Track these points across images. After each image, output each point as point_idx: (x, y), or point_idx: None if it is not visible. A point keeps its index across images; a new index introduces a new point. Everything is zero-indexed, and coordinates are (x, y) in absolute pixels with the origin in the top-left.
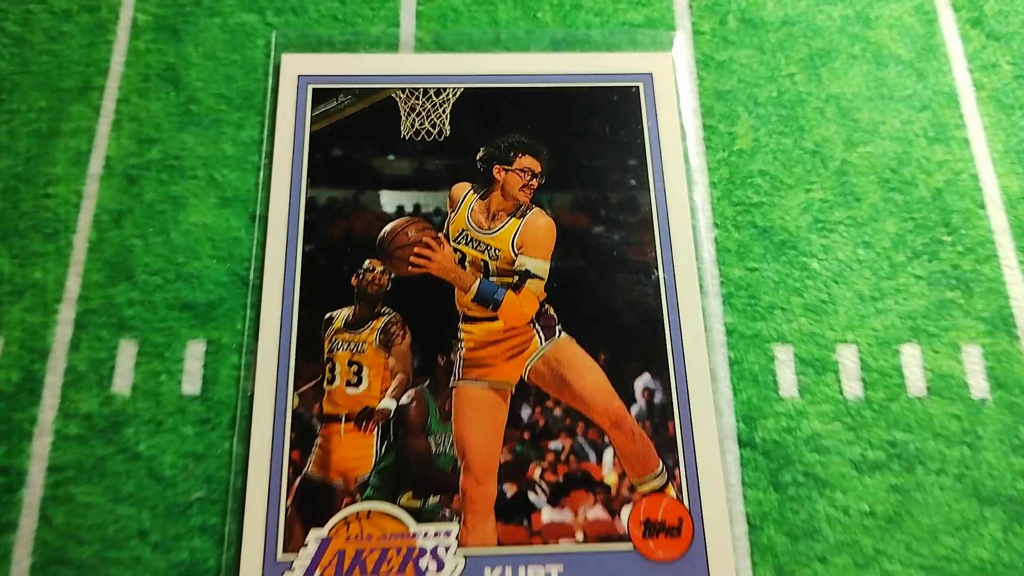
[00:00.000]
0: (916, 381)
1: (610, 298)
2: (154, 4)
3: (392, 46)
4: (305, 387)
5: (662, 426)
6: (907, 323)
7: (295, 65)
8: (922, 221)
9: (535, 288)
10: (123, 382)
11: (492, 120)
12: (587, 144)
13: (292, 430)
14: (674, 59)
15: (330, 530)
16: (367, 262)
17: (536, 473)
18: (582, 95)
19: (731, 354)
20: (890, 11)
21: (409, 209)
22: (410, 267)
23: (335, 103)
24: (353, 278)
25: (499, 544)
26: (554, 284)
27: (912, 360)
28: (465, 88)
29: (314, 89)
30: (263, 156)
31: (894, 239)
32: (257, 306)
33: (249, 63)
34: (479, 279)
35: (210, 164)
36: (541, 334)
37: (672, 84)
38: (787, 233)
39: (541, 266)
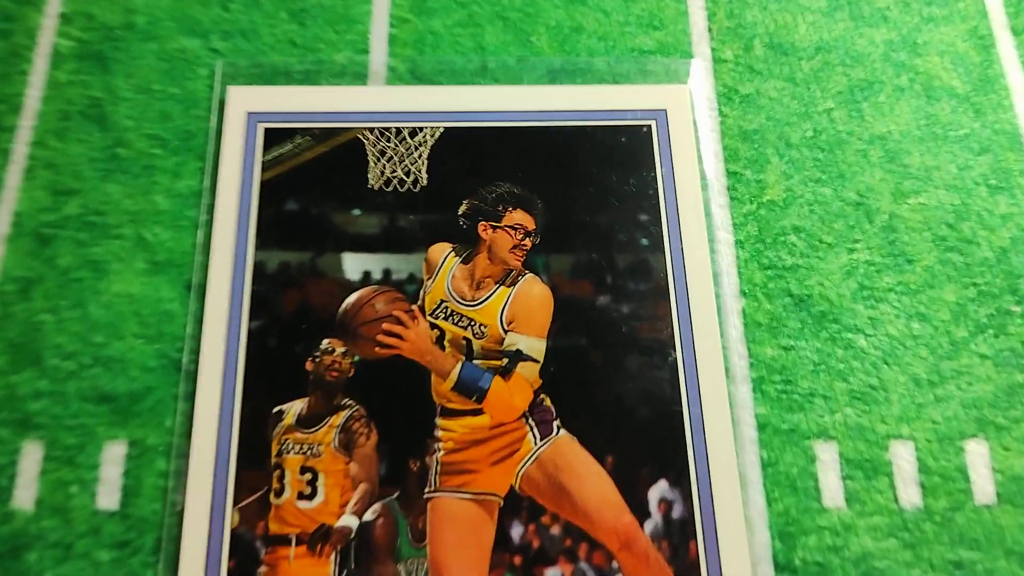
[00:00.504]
0: (984, 485)
1: (619, 386)
2: (79, 27)
3: (360, 77)
4: (247, 501)
5: (682, 547)
6: (972, 413)
7: (243, 100)
8: (986, 288)
9: (528, 374)
10: (25, 495)
11: (477, 166)
12: (590, 196)
13: (231, 555)
14: (691, 92)
15: None
16: (325, 342)
17: None
18: (584, 136)
19: (764, 454)
20: (940, 35)
21: (377, 276)
22: (378, 348)
23: (291, 146)
24: (308, 362)
25: None
26: (551, 368)
27: (979, 459)
28: (445, 128)
29: (266, 129)
30: (203, 211)
31: (954, 310)
32: (191, 398)
33: (189, 98)
34: (461, 363)
35: (139, 221)
36: (535, 431)
37: (690, 122)
38: (828, 303)
39: (535, 346)
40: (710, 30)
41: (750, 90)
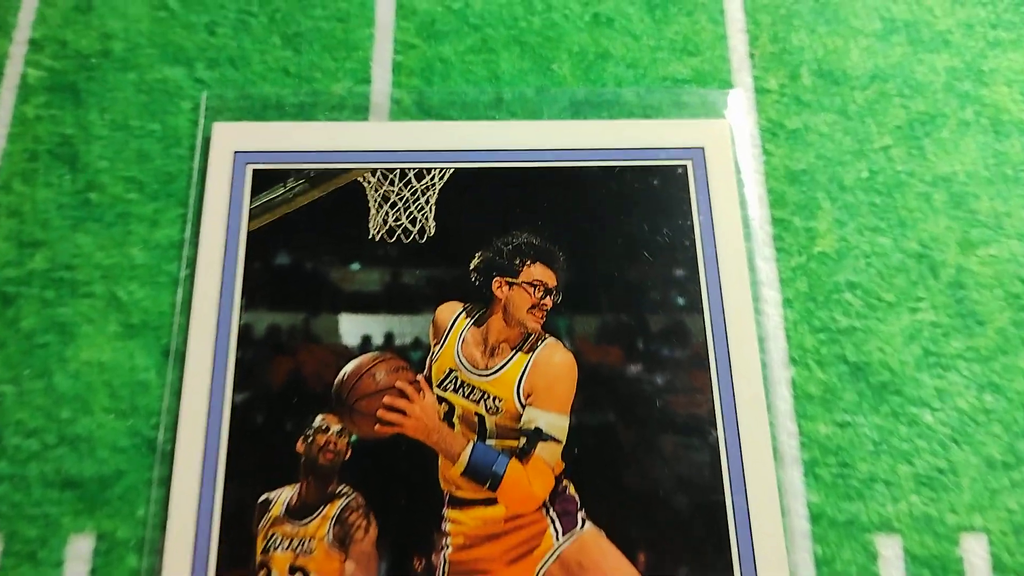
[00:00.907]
0: None
1: (652, 471)
2: (50, 55)
3: (360, 111)
4: None
5: None
6: None
7: (230, 137)
8: None
9: (549, 456)
10: None
11: (492, 213)
12: (619, 247)
13: None
14: (732, 127)
15: None
16: (319, 419)
17: None
18: (611, 179)
19: (818, 549)
20: (1008, 62)
21: (378, 341)
22: (378, 426)
23: (282, 190)
24: (300, 442)
25: None
26: (575, 450)
27: None
28: (456, 169)
29: (255, 171)
30: (184, 265)
31: None
32: (166, 483)
33: (170, 135)
34: (472, 443)
35: (112, 277)
36: (557, 525)
37: (730, 162)
38: (888, 372)
39: (557, 423)
40: (752, 56)
41: (797, 124)
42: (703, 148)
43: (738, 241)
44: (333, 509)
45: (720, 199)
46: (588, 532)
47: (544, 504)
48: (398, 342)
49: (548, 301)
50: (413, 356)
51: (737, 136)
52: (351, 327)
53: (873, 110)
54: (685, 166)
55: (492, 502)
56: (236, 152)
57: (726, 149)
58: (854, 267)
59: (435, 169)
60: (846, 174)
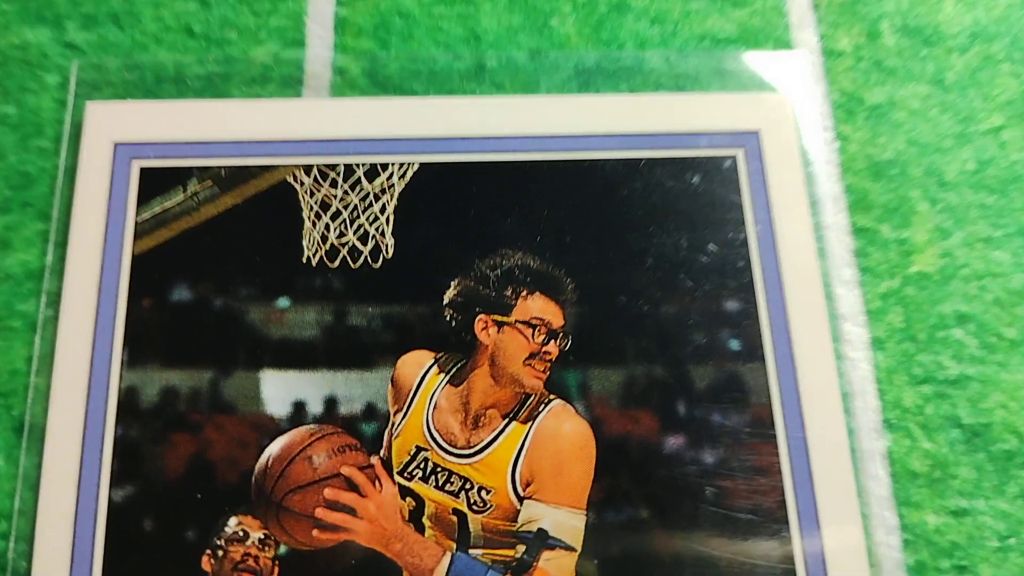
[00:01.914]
0: None
1: None
2: None
3: (291, 85)
4: None
5: None
6: None
7: (110, 123)
8: None
9: (559, 570)
10: None
11: (472, 227)
12: (648, 271)
13: None
14: (793, 105)
15: None
16: (233, 523)
17: None
18: (635, 176)
19: None
20: None
21: (316, 408)
22: (317, 531)
23: (182, 197)
24: (206, 558)
25: None
26: (594, 560)
27: None
28: (422, 164)
29: (144, 170)
30: (43, 304)
31: None
32: None
33: (29, 121)
34: (450, 554)
35: None
36: None
37: (795, 151)
38: (1017, 437)
39: (569, 523)
40: (816, 7)
41: (880, 98)
42: (757, 133)
43: (809, 259)
44: None
45: (782, 202)
46: None
47: None
48: (344, 410)
49: (553, 348)
50: (365, 430)
51: (800, 116)
52: (278, 390)
53: (976, 79)
54: (734, 158)
55: None
56: (117, 144)
57: (787, 133)
58: (964, 293)
59: (393, 165)
60: (947, 165)
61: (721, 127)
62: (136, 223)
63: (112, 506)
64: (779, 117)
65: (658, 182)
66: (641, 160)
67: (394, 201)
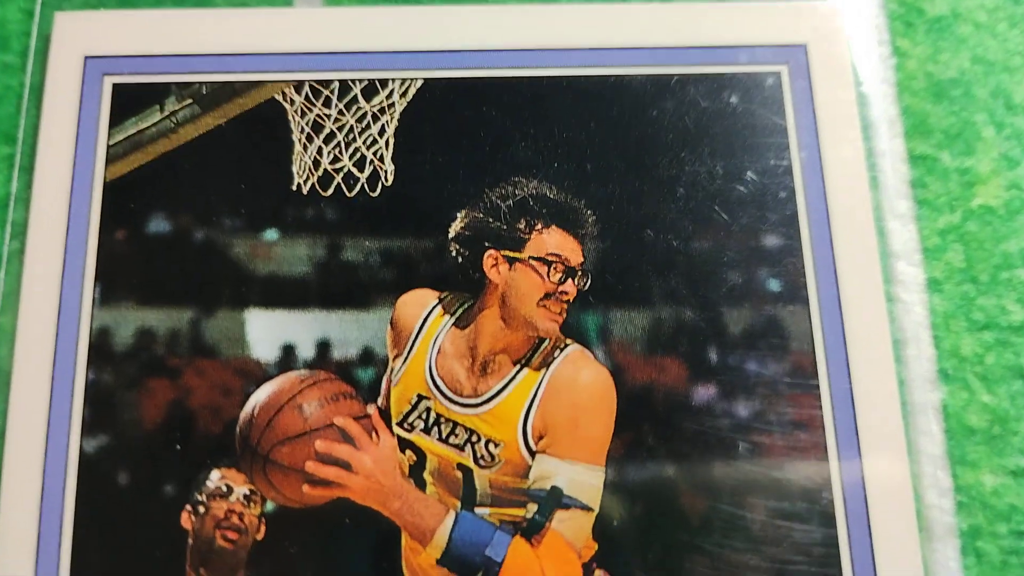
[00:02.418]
0: None
1: (734, 555)
2: None
3: None
4: None
5: None
6: None
7: (80, 35)
8: None
9: (574, 532)
10: None
11: (482, 151)
12: (678, 202)
13: None
14: (845, 16)
15: None
16: (216, 477)
17: None
18: (666, 95)
19: None
20: None
21: (307, 352)
22: (307, 487)
23: (159, 117)
24: (186, 514)
25: None
26: (613, 522)
27: None
28: (426, 80)
29: (118, 87)
30: (8, 236)
31: None
32: None
33: None
34: (454, 514)
35: None
36: None
37: (846, 68)
38: None
39: (586, 480)
40: None
41: (943, 9)
42: (804, 47)
43: (861, 189)
44: None
45: (831, 125)
46: None
47: None
48: (338, 354)
49: (571, 287)
50: (361, 377)
51: (853, 28)
52: (265, 331)
53: None
54: (778, 74)
55: None
56: (88, 58)
57: (838, 48)
58: None
59: (393, 82)
60: (1016, 86)
61: (763, 40)
62: (108, 146)
63: (84, 457)
64: (829, 29)
65: (692, 102)
66: (673, 77)
67: (395, 122)
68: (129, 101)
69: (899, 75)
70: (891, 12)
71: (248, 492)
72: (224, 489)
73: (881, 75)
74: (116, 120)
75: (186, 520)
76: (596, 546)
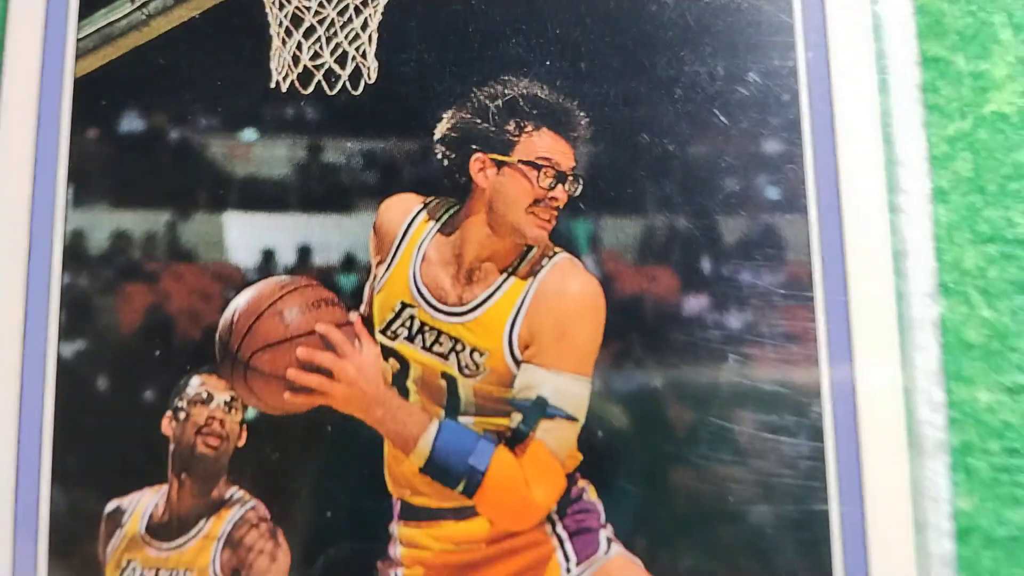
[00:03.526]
0: None
1: (719, 468)
2: None
3: None
4: None
5: None
6: None
7: None
8: None
9: (558, 442)
10: None
11: (469, 47)
12: (675, 103)
13: None
14: None
15: None
16: (196, 383)
17: None
18: (666, 6)
19: None
20: None
21: (287, 258)
22: (288, 394)
23: (130, 7)
24: (167, 420)
25: None
26: (598, 433)
27: None
28: None
29: None
30: None
31: None
32: None
33: None
34: (437, 422)
35: None
36: (568, 548)
37: None
38: None
39: (572, 390)
40: None
41: None
42: None
43: (868, 94)
44: (220, 525)
45: (841, 23)
46: (615, 561)
47: (549, 517)
48: (319, 260)
49: (560, 193)
50: (343, 283)
51: None
52: (244, 235)
53: None
54: None
55: (468, 514)
56: None
57: None
58: None
59: None
60: None
61: None
62: (77, 40)
63: (61, 362)
64: None
65: (695, 14)
66: None
67: (378, 16)
68: None
69: None
70: None
71: (229, 399)
72: (204, 396)
73: None
74: (84, 12)
75: (166, 426)
76: (580, 457)
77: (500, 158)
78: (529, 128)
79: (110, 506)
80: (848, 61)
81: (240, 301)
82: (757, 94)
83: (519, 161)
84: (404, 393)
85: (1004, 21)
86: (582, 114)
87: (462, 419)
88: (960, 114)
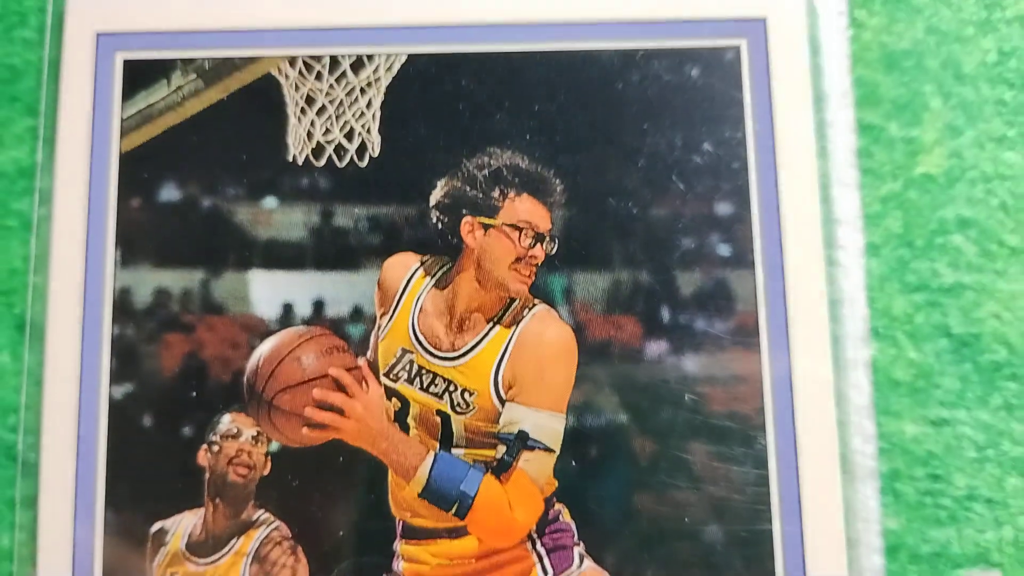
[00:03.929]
0: None
1: (677, 493)
2: None
3: None
4: None
5: None
6: None
7: (91, 12)
8: None
9: (538, 470)
10: None
11: (461, 124)
12: (639, 171)
13: None
14: None
15: None
16: (227, 420)
17: None
18: (631, 69)
19: None
20: None
21: (304, 310)
22: (306, 429)
23: (166, 91)
24: (203, 452)
25: None
26: (572, 462)
27: None
28: (410, 56)
29: (128, 63)
30: (37, 202)
31: None
32: (34, 503)
33: (12, 9)
34: (433, 454)
35: None
36: (547, 563)
37: (803, 42)
38: (1006, 348)
39: (549, 425)
40: None
41: None
42: (764, 21)
43: (808, 160)
44: (248, 543)
45: (785, 98)
46: (588, 574)
47: (530, 536)
48: (331, 312)
49: (539, 252)
50: (352, 332)
51: (816, 1)
52: (266, 291)
53: None
54: (737, 49)
55: (461, 533)
56: (100, 34)
57: (797, 20)
58: (968, 197)
59: (379, 56)
60: (966, 57)
61: (725, 14)
62: (122, 119)
63: (113, 403)
64: (790, 2)
65: (655, 75)
66: (639, 51)
67: (381, 96)
68: (139, 76)
69: (854, 46)
70: None
71: (255, 433)
72: (234, 431)
73: (837, 46)
74: (128, 94)
75: (203, 457)
76: (556, 483)
77: (487, 221)
78: (512, 194)
79: (155, 527)
80: (791, 131)
81: (264, 348)
82: (711, 162)
83: (503, 224)
84: (405, 428)
85: (934, 91)
86: (558, 181)
87: (455, 451)
88: (892, 176)
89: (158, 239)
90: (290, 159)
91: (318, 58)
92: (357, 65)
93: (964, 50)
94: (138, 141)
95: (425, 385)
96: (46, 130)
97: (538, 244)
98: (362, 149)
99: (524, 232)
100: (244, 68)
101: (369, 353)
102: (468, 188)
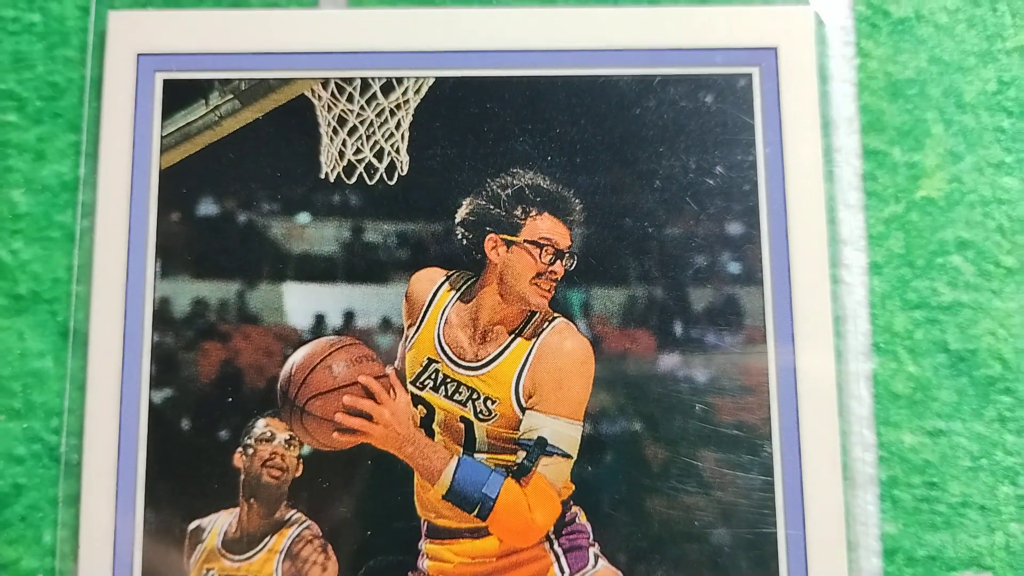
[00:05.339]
0: None
1: (687, 497)
2: None
3: None
4: None
5: None
6: None
7: (132, 33)
8: None
9: (556, 475)
10: None
11: (486, 144)
12: (655, 192)
13: None
14: (818, 18)
15: None
16: (261, 424)
17: None
18: (648, 95)
19: None
20: None
21: (335, 321)
22: (336, 434)
23: (204, 110)
24: (238, 455)
25: None
26: (588, 467)
27: None
28: (437, 79)
29: (168, 82)
30: (80, 214)
31: None
32: (76, 502)
33: (55, 29)
34: (457, 458)
35: None
36: (563, 562)
37: (812, 70)
38: (1000, 364)
39: (567, 432)
40: None
41: (907, 11)
42: (775, 49)
43: (816, 183)
44: (281, 541)
45: (794, 124)
46: (602, 573)
47: (547, 536)
48: (361, 323)
49: (559, 268)
50: (381, 342)
51: (823, 30)
52: (299, 302)
53: None
54: (750, 76)
55: (482, 533)
56: (140, 55)
57: (807, 50)
58: (968, 219)
59: (408, 79)
60: (967, 86)
61: (739, 43)
62: (162, 137)
63: (153, 407)
64: (800, 32)
65: (671, 101)
66: (656, 77)
67: (409, 117)
68: (177, 95)
69: (860, 75)
70: (859, 14)
71: (288, 437)
72: (268, 435)
73: (844, 75)
74: (167, 113)
75: (238, 460)
76: (573, 487)
77: (509, 238)
78: (533, 213)
79: (192, 525)
80: (799, 156)
81: (297, 357)
82: (723, 184)
83: (525, 240)
84: (430, 434)
85: (936, 117)
86: (577, 201)
87: (477, 456)
88: (895, 199)
89: (196, 252)
90: (322, 177)
91: (350, 80)
92: (387, 88)
93: (965, 79)
94: (177, 158)
95: (450, 393)
96: (88, 145)
97: (558, 260)
98: (391, 168)
99: (545, 249)
100: (279, 89)
101: (397, 362)
102: (492, 206)
